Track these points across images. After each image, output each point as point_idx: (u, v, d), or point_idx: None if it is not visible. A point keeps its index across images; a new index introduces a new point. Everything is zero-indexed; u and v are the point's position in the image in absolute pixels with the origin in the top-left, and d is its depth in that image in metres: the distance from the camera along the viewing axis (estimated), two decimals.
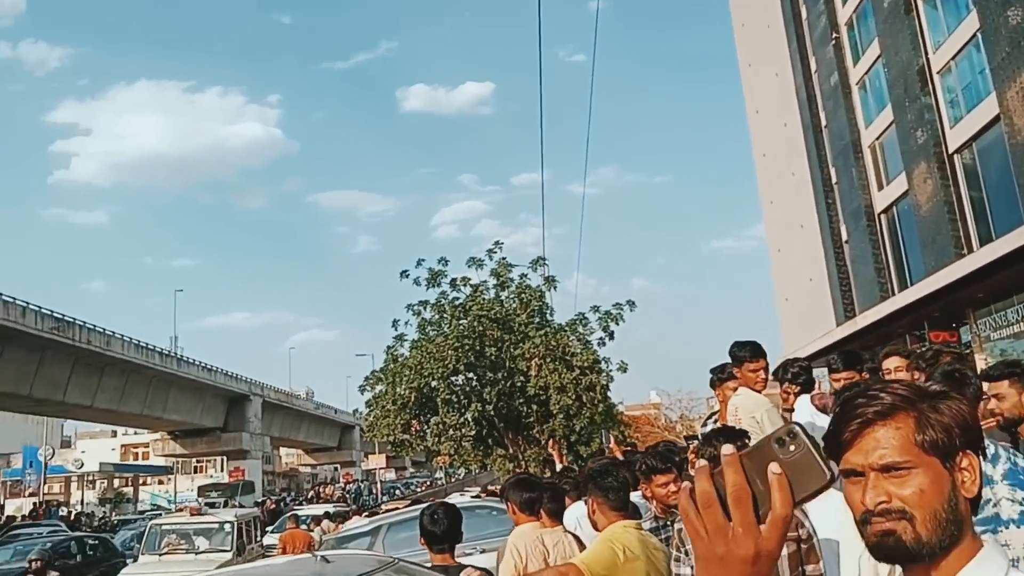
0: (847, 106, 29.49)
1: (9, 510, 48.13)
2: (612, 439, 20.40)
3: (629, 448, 16.42)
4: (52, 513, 38.84)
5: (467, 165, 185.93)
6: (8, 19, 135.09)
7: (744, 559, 0.91)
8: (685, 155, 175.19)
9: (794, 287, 36.43)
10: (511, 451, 21.23)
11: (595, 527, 3.74)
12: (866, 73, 28.57)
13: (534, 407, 20.46)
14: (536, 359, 19.84)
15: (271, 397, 64.18)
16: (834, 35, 30.11)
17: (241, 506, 34.09)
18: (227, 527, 14.02)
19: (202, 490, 51.51)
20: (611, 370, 21.18)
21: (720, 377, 5.35)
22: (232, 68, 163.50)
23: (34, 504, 44.23)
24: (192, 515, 14.45)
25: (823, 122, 31.94)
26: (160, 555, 13.43)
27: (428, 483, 68.56)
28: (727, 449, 0.94)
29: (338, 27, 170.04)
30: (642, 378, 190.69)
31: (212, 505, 35.81)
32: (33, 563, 9.53)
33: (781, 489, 0.91)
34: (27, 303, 36.05)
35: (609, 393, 22.22)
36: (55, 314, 37.71)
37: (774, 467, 0.92)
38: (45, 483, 49.68)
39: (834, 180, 31.03)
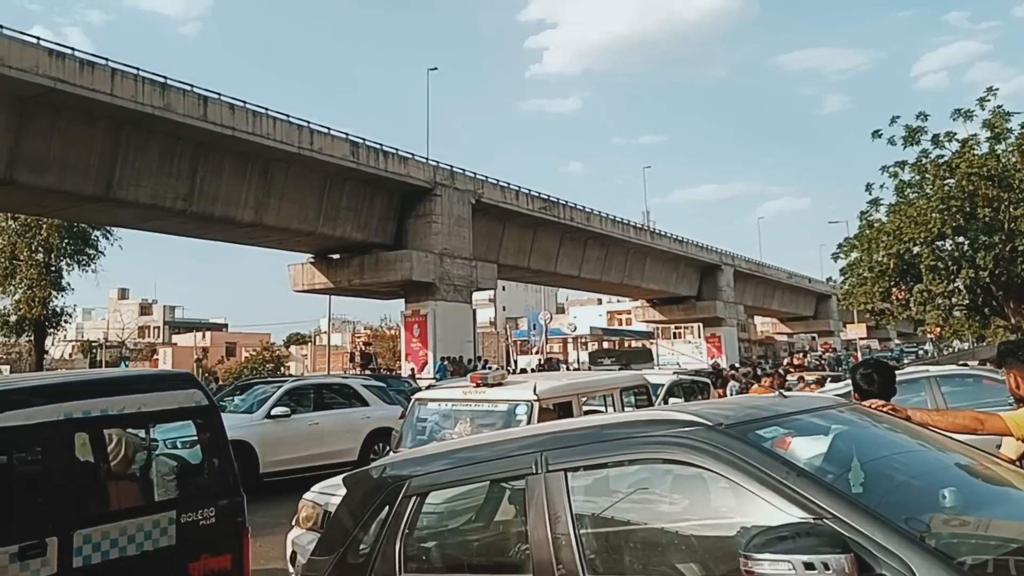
0: None
1: (521, 364, 56.18)
2: None
3: None
4: (555, 368, 43.95)
5: (955, 1, 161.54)
6: None
7: None
8: None
9: None
10: (1014, 321, 18.93)
11: (1020, 401, 3.84)
12: None
13: None
14: None
15: (742, 267, 64.57)
16: None
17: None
18: (520, 411, 7.47)
19: (594, 357, 48.41)
20: None
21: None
22: None
23: (539, 361, 50.99)
24: (475, 384, 7.62)
25: None
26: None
27: (914, 356, 64.42)
28: None
29: None
30: None
31: None
32: None
33: None
34: (519, 187, 40.70)
35: None
36: (542, 195, 41.95)
37: None
38: (547, 343, 56.85)
39: None
